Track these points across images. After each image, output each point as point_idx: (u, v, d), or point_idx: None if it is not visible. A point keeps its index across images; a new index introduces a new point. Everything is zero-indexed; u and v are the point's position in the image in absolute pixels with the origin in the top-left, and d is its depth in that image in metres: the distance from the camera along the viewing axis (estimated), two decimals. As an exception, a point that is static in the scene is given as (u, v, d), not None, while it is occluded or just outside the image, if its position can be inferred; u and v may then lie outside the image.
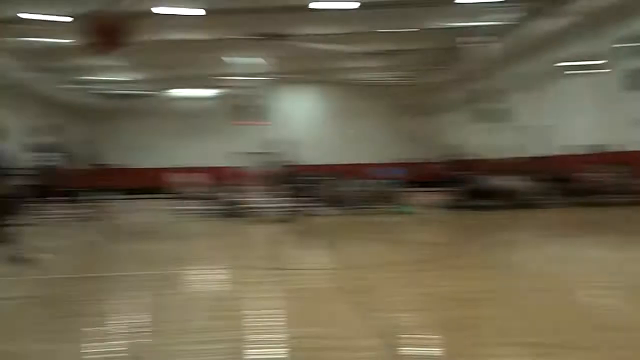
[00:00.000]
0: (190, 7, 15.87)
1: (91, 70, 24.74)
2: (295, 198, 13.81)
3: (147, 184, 24.88)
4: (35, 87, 24.15)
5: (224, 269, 8.02)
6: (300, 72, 26.28)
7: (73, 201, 13.54)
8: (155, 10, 15.54)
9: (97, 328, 4.78)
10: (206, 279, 7.51)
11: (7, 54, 19.33)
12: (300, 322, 4.75)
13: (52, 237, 10.31)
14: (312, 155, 23.52)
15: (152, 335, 4.52)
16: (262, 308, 5.31)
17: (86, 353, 4.18)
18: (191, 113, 30.26)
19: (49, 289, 6.49)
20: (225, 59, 22.45)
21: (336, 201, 15.33)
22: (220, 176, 16.69)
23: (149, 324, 4.95)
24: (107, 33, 2.68)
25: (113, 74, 25.74)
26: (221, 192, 15.42)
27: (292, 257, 9.00)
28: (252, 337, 4.39)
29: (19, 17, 15.42)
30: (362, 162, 24.41)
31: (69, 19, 15.73)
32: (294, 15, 17.53)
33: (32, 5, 15.17)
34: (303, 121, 30.33)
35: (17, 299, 5.74)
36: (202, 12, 16.15)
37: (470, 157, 17.83)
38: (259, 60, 22.81)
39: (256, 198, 14.43)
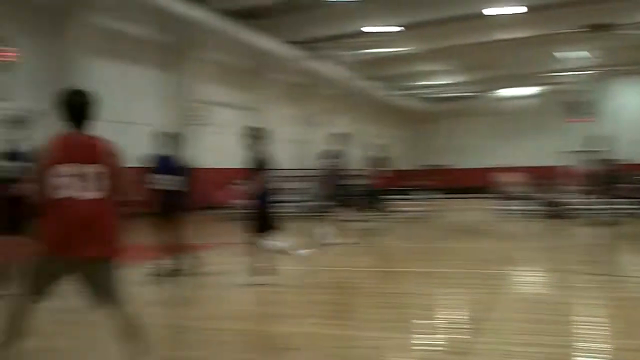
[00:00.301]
0: (514, 6, 15.84)
1: (419, 75, 26.15)
2: (622, 199, 12.95)
3: (472, 183, 25.37)
4: (370, 94, 26.43)
5: (546, 271, 7.99)
6: (633, 63, 24.10)
7: (391, 201, 14.46)
8: (485, 11, 15.81)
9: (418, 321, 5.20)
10: (528, 280, 7.58)
11: (347, 65, 21.54)
12: (631, 333, 4.53)
13: (367, 233, 11.29)
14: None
15: (471, 332, 4.74)
16: (587, 315, 5.21)
17: (410, 344, 4.56)
18: (515, 112, 29.92)
19: (368, 280, 7.24)
20: (554, 54, 21.73)
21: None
22: (544, 176, 16.30)
23: (468, 321, 5.23)
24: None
25: (440, 78, 26.78)
26: (544, 192, 15.11)
27: (619, 263, 8.58)
28: (576, 345, 4.33)
29: (361, 31, 17.11)
30: None
31: (399, 29, 16.99)
32: (625, 2, 16.29)
33: (369, 19, 16.73)
34: (635, 116, 27.74)
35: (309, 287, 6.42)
36: (524, 9, 16.02)
37: None
38: (587, 54, 21.60)
39: (580, 199, 13.86)
